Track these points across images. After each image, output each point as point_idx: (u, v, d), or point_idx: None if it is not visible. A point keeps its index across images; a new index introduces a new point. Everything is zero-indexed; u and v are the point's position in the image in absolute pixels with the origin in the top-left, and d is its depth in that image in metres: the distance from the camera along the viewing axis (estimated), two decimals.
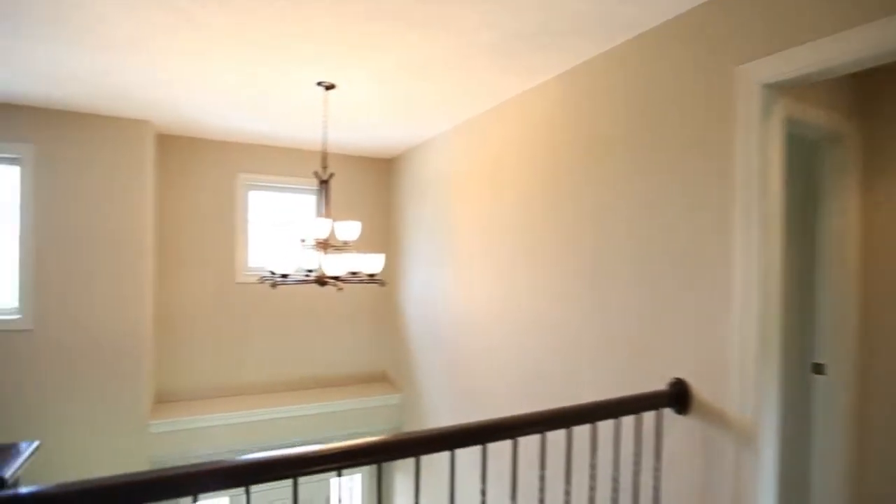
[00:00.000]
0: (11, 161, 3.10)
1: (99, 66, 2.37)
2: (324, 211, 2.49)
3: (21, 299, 3.10)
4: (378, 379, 4.62)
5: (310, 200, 4.38)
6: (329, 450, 1.10)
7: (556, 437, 1.50)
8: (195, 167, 3.90)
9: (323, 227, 2.36)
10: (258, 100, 2.85)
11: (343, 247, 2.52)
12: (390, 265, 4.37)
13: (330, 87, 2.54)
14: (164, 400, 3.80)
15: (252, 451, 3.53)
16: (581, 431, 1.57)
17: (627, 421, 1.69)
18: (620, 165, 2.03)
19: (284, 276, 2.26)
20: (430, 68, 2.32)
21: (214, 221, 3.97)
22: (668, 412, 1.73)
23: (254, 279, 4.02)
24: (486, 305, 2.97)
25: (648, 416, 1.71)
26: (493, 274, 2.89)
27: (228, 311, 4.02)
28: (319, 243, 2.43)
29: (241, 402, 3.91)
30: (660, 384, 1.78)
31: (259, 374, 4.14)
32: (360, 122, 3.27)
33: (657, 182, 1.86)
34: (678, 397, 1.71)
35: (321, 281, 2.36)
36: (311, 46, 2.10)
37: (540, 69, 2.32)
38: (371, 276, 2.45)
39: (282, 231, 4.28)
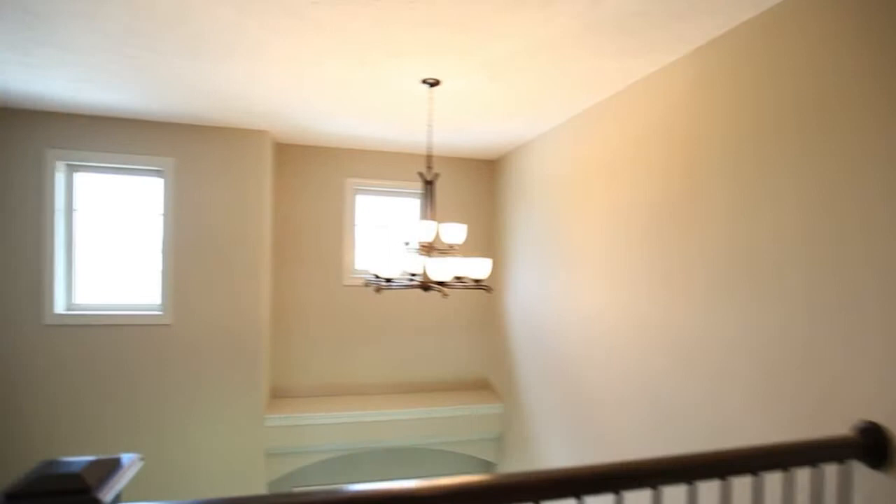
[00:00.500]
0: (156, 174, 3.45)
1: (228, 79, 2.51)
2: (428, 213, 2.40)
3: (163, 297, 3.44)
4: (480, 386, 4.47)
5: (413, 204, 4.38)
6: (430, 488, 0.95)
7: (707, 490, 1.21)
8: (307, 173, 4.08)
9: (428, 230, 2.26)
10: (364, 103, 2.86)
11: (448, 250, 2.40)
12: (493, 270, 4.20)
13: (434, 83, 2.44)
14: (277, 395, 4.01)
15: (359, 450, 3.55)
16: (739, 485, 1.26)
17: (801, 475, 1.33)
18: (782, 151, 1.65)
19: (389, 280, 2.20)
20: (543, 55, 2.11)
21: (324, 225, 4.12)
22: (857, 466, 1.34)
23: (360, 282, 4.12)
24: (603, 318, 2.67)
25: (830, 471, 1.34)
26: (612, 283, 2.59)
27: (336, 312, 4.14)
28: (424, 247, 2.34)
29: (349, 402, 3.99)
30: (841, 428, 1.39)
31: (364, 375, 4.21)
32: (465, 119, 3.15)
33: (841, 168, 1.47)
34: (872, 447, 1.32)
35: (425, 286, 2.26)
36: (415, 41, 2.01)
37: (670, 45, 2.00)
38: (477, 281, 2.31)
39: (386, 234, 4.33)
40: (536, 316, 3.56)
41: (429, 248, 2.34)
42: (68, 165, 3.33)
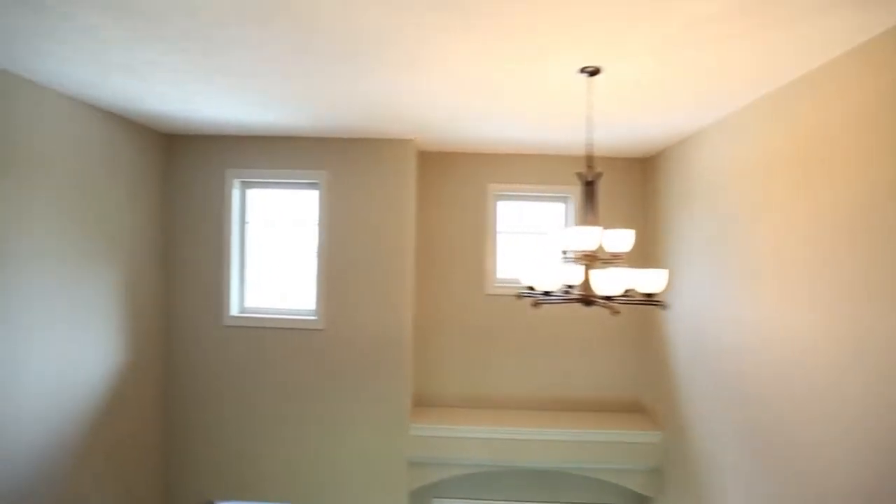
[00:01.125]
0: (312, 186, 3.68)
1: (380, 88, 2.53)
2: (589, 218, 2.13)
3: (317, 303, 3.63)
4: (631, 409, 4.01)
5: (557, 209, 4.11)
6: None
7: None
8: (448, 180, 4.05)
9: (590, 237, 1.99)
10: (516, 102, 2.69)
11: (611, 260, 2.10)
12: None
13: (594, 72, 2.17)
14: (419, 404, 4.01)
15: (500, 468, 3.36)
16: None
17: None
18: None
19: (546, 294, 1.98)
20: (727, 25, 1.73)
21: (465, 233, 4.04)
22: None
23: (503, 292, 3.95)
24: (802, 338, 2.13)
25: None
26: (815, 297, 2.05)
27: (478, 322, 4.03)
28: (584, 256, 2.08)
29: (491, 416, 3.84)
30: None
31: (506, 388, 4.03)
32: (624, 112, 2.81)
33: None
34: None
35: (588, 300, 1.99)
36: (573, 24, 1.78)
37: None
38: (648, 296, 1.97)
39: (532, 242, 4.11)
40: (706, 334, 3.05)
41: (591, 258, 2.07)
42: (242, 182, 3.70)
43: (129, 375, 3.29)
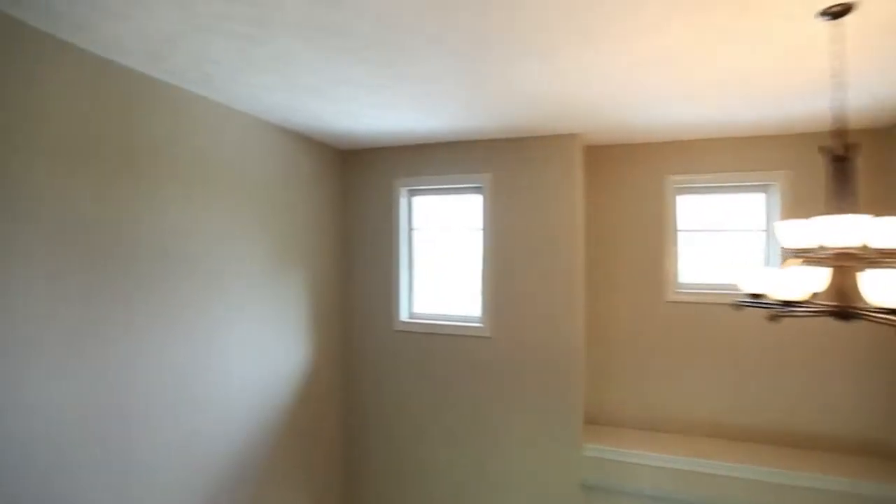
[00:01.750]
0: (476, 190, 3.62)
1: (550, 78, 2.33)
2: (845, 204, 1.63)
3: (482, 310, 3.54)
4: (871, 452, 3.12)
5: (756, 200, 3.43)
6: None
7: None
8: (617, 176, 3.65)
9: (853, 229, 1.51)
10: (714, 73, 2.25)
11: (878, 259, 1.57)
12: None
13: (842, 11, 1.67)
14: (590, 422, 3.66)
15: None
16: None
17: None
18: None
19: (788, 304, 1.54)
20: None
21: (640, 233, 3.60)
22: None
23: (688, 298, 3.43)
24: None
25: None
26: None
27: (658, 333, 3.55)
28: (838, 255, 1.58)
29: (677, 442, 3.33)
30: None
31: (698, 412, 3.46)
32: (875, 67, 2.17)
33: None
34: None
35: (848, 313, 1.51)
36: None
37: None
38: None
39: (729, 241, 3.50)
40: None
41: (848, 257, 1.57)
42: (409, 191, 3.81)
43: (314, 375, 3.57)
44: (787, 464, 3.03)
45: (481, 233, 3.56)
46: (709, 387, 3.44)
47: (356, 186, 3.91)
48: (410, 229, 3.83)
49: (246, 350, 2.93)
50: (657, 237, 3.55)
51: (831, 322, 1.59)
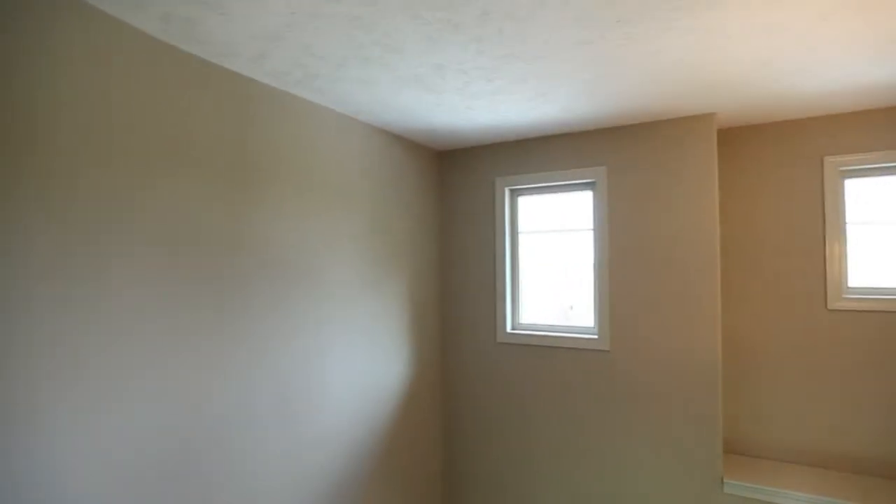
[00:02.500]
0: (587, 186, 3.25)
1: (674, 50, 1.94)
2: None
3: (596, 320, 3.15)
4: None
5: None
6: None
7: None
8: (760, 160, 3.10)
9: None
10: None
11: None
12: None
13: None
14: (729, 451, 3.11)
15: None
16: None
17: None
18: None
19: None
20: None
21: (790, 227, 3.02)
22: None
23: (861, 307, 2.80)
24: None
25: None
26: None
27: (817, 347, 2.93)
28: None
29: (836, 481, 2.70)
30: None
31: (867, 443, 2.80)
32: None
33: None
34: None
35: None
36: None
37: None
38: None
39: None
40: None
41: None
42: (511, 191, 3.52)
43: (412, 389, 3.38)
44: None
45: (593, 233, 3.18)
46: (879, 415, 2.76)
47: (455, 188, 3.70)
48: (515, 232, 3.53)
49: (346, 361, 2.80)
50: (814, 231, 2.95)
51: None
